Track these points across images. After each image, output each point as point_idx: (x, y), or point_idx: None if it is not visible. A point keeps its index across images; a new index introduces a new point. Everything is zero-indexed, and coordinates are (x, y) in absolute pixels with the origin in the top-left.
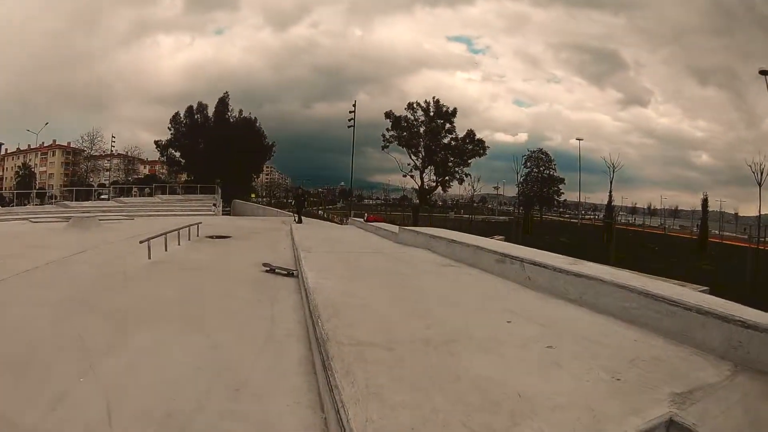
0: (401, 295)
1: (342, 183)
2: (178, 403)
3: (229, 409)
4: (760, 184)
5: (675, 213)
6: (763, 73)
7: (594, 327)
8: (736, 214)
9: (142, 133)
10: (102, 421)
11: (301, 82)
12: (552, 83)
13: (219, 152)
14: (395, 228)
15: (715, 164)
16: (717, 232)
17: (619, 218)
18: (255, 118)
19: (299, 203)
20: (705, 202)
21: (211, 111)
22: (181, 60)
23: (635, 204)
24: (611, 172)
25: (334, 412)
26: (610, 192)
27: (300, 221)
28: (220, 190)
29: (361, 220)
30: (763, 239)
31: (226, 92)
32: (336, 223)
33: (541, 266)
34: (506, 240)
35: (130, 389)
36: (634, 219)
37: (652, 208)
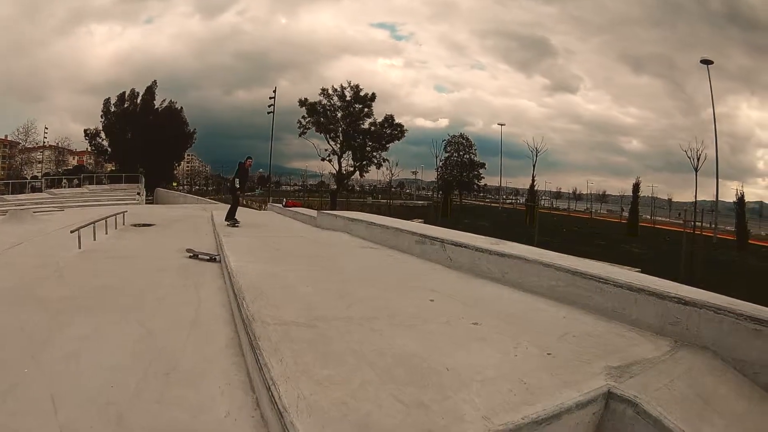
0: (323, 276)
1: (261, 170)
2: (117, 390)
3: (164, 394)
4: (696, 170)
5: (602, 198)
6: (704, 62)
7: (519, 305)
8: (670, 199)
9: (72, 124)
10: (48, 411)
11: (223, 70)
12: (476, 69)
13: (144, 141)
14: (314, 212)
15: (647, 150)
16: (648, 216)
17: (542, 202)
18: (180, 107)
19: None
20: (636, 186)
21: (140, 99)
22: (112, 49)
23: (560, 188)
24: (534, 156)
25: (265, 390)
26: (533, 175)
27: (232, 221)
28: (143, 179)
29: (280, 205)
30: (699, 224)
31: (154, 81)
32: (254, 209)
33: (462, 246)
34: (428, 222)
35: (72, 378)
36: (554, 203)
37: (577, 192)
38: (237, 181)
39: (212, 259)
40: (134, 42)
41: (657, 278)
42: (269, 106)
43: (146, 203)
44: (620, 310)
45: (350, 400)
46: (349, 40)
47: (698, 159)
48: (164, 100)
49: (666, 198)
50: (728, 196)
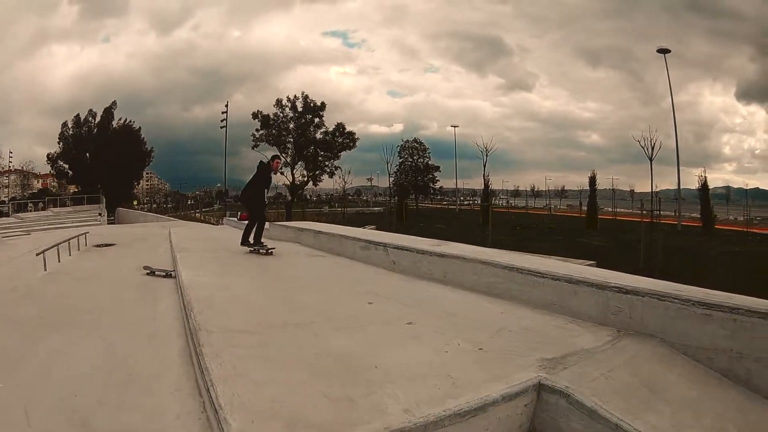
0: (269, 285)
1: (219, 185)
2: (82, 398)
3: (123, 400)
4: (651, 159)
5: (562, 193)
6: (661, 51)
7: (458, 303)
8: (632, 190)
9: (36, 147)
10: (22, 421)
11: (180, 86)
12: (429, 73)
13: (102, 162)
14: (267, 224)
15: (606, 143)
16: (610, 209)
17: (500, 201)
18: (138, 127)
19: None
20: (593, 179)
21: (98, 120)
22: (72, 69)
23: (517, 187)
24: (484, 156)
25: (205, 391)
26: (484, 175)
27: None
28: (104, 200)
29: (236, 219)
30: (657, 212)
31: (114, 101)
32: (212, 224)
33: (404, 250)
34: (379, 229)
35: (43, 390)
36: (512, 202)
37: (536, 189)
38: (257, 186)
39: (168, 275)
40: (93, 62)
41: (599, 269)
42: (222, 121)
43: (108, 223)
44: (560, 302)
45: (283, 398)
46: (302, 50)
47: (652, 148)
48: (121, 120)
49: (628, 189)
50: (694, 183)
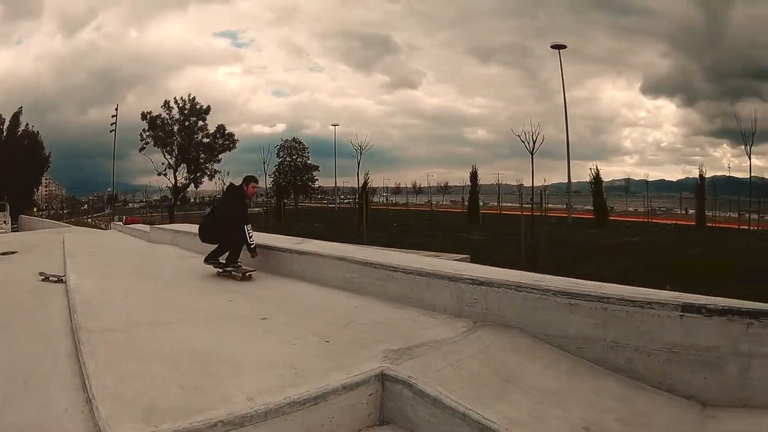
0: (143, 287)
1: (109, 189)
2: None
3: (22, 398)
4: (532, 153)
5: (444, 189)
6: (555, 47)
7: (315, 299)
8: (520, 184)
9: None
10: None
11: (79, 88)
12: (314, 72)
13: (4, 169)
14: (147, 228)
15: (495, 139)
16: (495, 203)
17: (380, 199)
18: (36, 131)
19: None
20: (474, 175)
21: (7, 126)
22: None
23: (398, 184)
24: (359, 154)
25: (81, 384)
26: (358, 173)
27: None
28: (8, 207)
29: (121, 223)
30: (539, 205)
31: (21, 107)
32: (102, 229)
33: (268, 248)
34: (256, 230)
35: None
36: (393, 199)
37: (418, 186)
38: (236, 221)
39: (59, 280)
40: (7, 65)
41: (457, 262)
42: (111, 124)
43: (12, 231)
44: (414, 296)
45: (144, 389)
46: (193, 51)
47: (534, 142)
48: (27, 125)
49: (515, 184)
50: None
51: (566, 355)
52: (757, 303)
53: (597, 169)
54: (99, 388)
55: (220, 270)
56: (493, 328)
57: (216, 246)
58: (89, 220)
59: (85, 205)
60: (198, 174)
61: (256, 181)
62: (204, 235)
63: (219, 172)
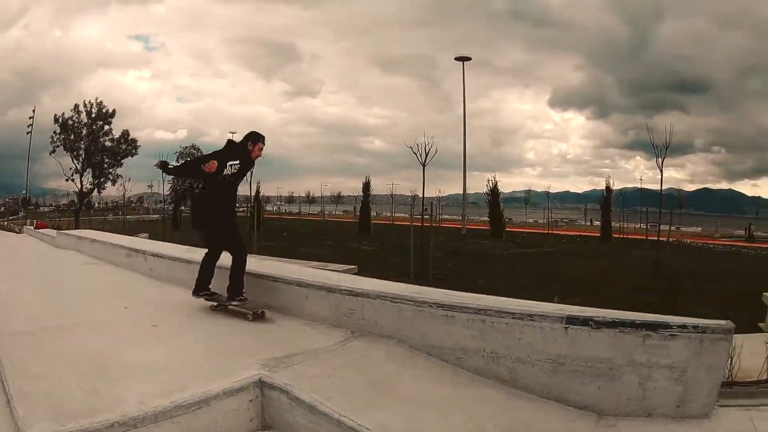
0: (48, 292)
1: (24, 191)
2: None
3: None
4: (423, 165)
5: (338, 199)
6: (459, 59)
7: (202, 308)
8: (415, 195)
9: None
10: None
11: (1, 88)
12: (218, 78)
13: None
14: (54, 233)
15: (394, 149)
16: (389, 214)
17: (273, 208)
18: None
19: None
20: (366, 185)
21: None
22: None
23: (292, 193)
24: None
25: (1, 385)
26: (250, 182)
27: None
28: None
29: (32, 227)
30: (429, 216)
31: None
32: (16, 232)
33: (160, 257)
34: (153, 237)
35: None
36: (287, 208)
37: (311, 195)
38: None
39: None
40: None
41: (339, 273)
42: (29, 126)
43: None
44: (294, 305)
45: (52, 390)
46: (106, 53)
47: (426, 154)
48: None
49: (410, 194)
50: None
51: (445, 365)
52: (654, 315)
53: (495, 180)
54: (16, 389)
55: (216, 304)
56: (370, 338)
57: (203, 261)
58: (5, 222)
59: (2, 208)
60: (102, 179)
61: (264, 142)
62: (199, 219)
63: (121, 177)
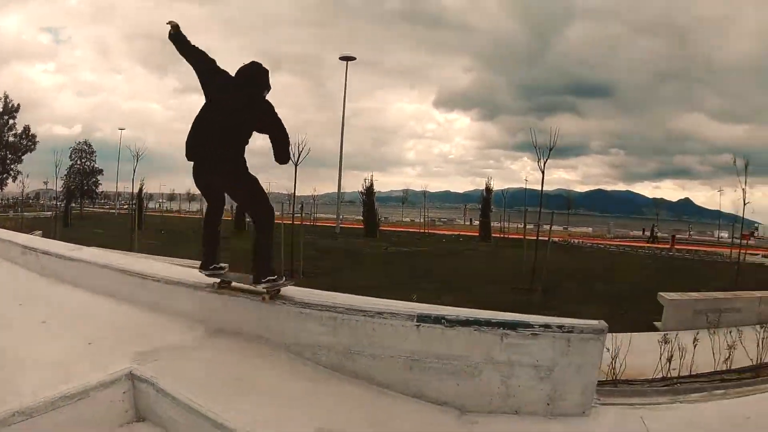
0: None
1: None
2: None
3: None
4: (296, 164)
5: None
6: (343, 59)
7: (86, 304)
8: (291, 193)
9: None
10: None
11: None
12: (115, 73)
13: None
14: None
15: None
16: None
17: (155, 205)
18: None
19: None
20: None
21: None
22: None
23: (173, 190)
24: (135, 160)
25: None
26: (133, 180)
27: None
28: None
29: None
30: (307, 214)
31: None
32: None
33: (48, 254)
34: (45, 234)
35: None
36: (168, 205)
37: (191, 193)
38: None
39: None
40: None
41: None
42: None
43: None
44: (163, 302)
45: None
46: (20, 45)
47: (300, 152)
48: None
49: (286, 193)
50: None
51: (304, 361)
52: (518, 315)
53: (371, 179)
54: None
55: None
56: (232, 334)
57: (205, 231)
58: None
59: None
60: (4, 175)
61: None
62: (199, 146)
63: (21, 173)
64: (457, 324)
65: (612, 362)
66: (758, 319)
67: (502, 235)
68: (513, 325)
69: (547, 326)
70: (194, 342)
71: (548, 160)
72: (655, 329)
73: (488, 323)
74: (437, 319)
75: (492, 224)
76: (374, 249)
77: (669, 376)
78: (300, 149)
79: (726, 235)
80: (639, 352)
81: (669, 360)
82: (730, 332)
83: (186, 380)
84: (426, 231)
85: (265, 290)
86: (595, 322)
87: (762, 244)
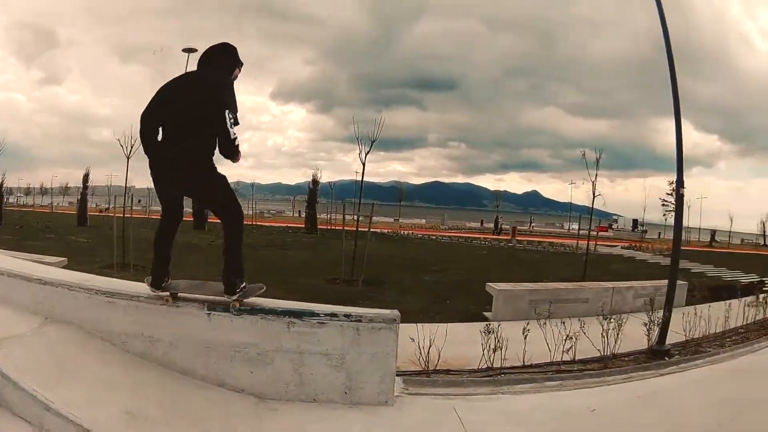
0: None
1: None
2: None
3: None
4: (128, 158)
5: (65, 191)
6: (186, 50)
7: None
8: (132, 186)
9: None
10: None
11: None
12: None
13: None
14: None
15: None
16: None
17: (15, 199)
18: None
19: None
20: (86, 176)
21: None
22: None
23: (30, 185)
24: None
25: None
26: None
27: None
28: None
29: None
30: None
31: None
32: None
33: None
34: None
35: None
36: (24, 200)
37: (44, 187)
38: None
39: None
40: None
41: (43, 265)
42: None
43: None
44: (6, 294)
45: None
46: None
47: (132, 146)
48: None
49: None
50: None
51: (115, 348)
52: (301, 303)
53: None
54: None
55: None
56: (59, 323)
57: (159, 231)
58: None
59: None
60: None
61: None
62: (165, 174)
63: None
64: (244, 312)
65: (425, 352)
66: (609, 310)
67: (329, 227)
68: (299, 314)
69: (333, 315)
70: (28, 331)
71: (383, 153)
72: (485, 319)
73: (273, 312)
74: (225, 308)
75: (319, 216)
76: (202, 241)
77: (493, 366)
78: (132, 142)
79: (576, 227)
80: (470, 343)
81: (494, 350)
82: (566, 322)
83: (23, 366)
84: (254, 223)
85: (237, 299)
86: (387, 311)
87: (620, 236)
